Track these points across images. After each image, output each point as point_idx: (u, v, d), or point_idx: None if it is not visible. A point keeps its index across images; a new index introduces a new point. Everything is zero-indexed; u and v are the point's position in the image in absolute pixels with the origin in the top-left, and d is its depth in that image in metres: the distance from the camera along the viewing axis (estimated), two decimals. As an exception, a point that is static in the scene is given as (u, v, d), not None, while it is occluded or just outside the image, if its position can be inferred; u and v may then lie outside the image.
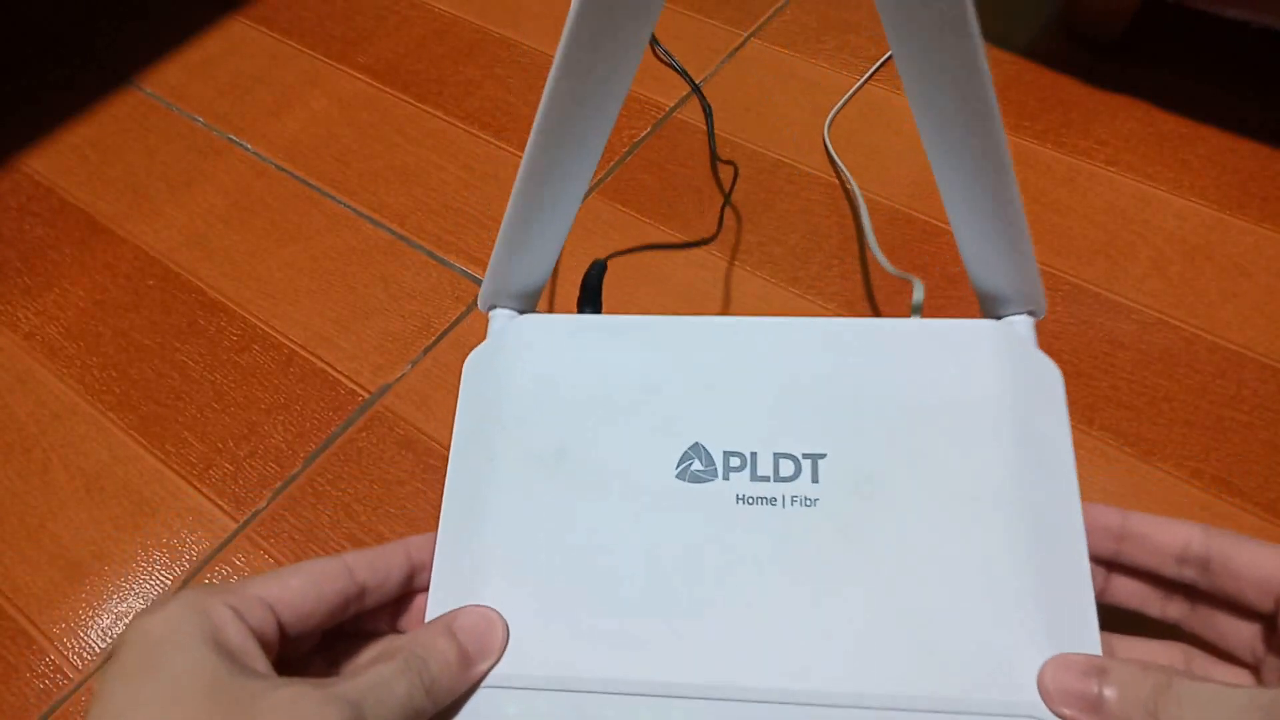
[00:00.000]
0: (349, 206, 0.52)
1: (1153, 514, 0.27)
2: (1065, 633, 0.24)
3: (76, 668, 0.37)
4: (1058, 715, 0.23)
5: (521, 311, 0.31)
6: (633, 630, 0.25)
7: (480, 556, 0.27)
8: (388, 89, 0.58)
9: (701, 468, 0.27)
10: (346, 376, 0.45)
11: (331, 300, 0.48)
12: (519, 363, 0.30)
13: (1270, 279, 0.45)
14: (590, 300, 0.38)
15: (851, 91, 0.55)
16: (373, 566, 0.27)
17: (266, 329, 0.47)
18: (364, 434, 0.43)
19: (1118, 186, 0.49)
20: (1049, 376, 0.28)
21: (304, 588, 0.25)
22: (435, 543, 0.28)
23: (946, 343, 0.28)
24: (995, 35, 0.58)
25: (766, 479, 0.27)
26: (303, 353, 0.46)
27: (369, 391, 0.44)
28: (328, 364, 0.45)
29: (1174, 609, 0.28)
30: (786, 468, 0.27)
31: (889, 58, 0.57)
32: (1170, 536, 0.26)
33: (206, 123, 0.57)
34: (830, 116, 0.54)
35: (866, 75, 0.56)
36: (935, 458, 0.27)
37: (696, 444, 0.28)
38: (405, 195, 0.52)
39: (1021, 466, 0.26)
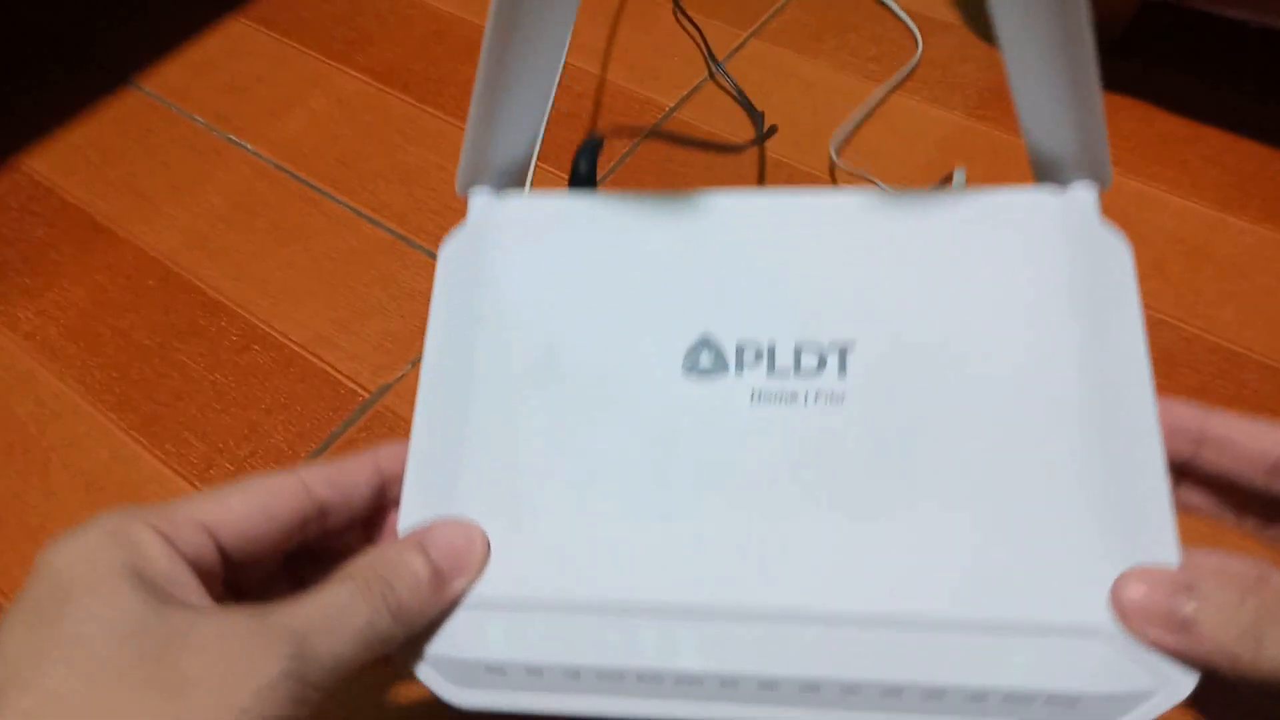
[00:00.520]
0: (349, 207, 0.52)
1: (1239, 415, 0.24)
2: (1140, 543, 0.21)
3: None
4: (1138, 638, 0.20)
5: (504, 191, 0.28)
6: (633, 545, 0.22)
7: (457, 464, 0.24)
8: (388, 89, 0.58)
9: (711, 362, 0.24)
10: (347, 376, 0.45)
11: (332, 300, 0.48)
12: (502, 248, 0.26)
13: (1270, 279, 0.45)
14: (583, 182, 0.35)
15: (870, 103, 0.55)
16: (334, 482, 0.24)
17: (267, 329, 0.47)
18: (364, 434, 0.43)
19: (1117, 187, 0.49)
20: (1118, 252, 0.24)
21: (248, 508, 0.22)
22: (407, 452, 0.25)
23: (998, 214, 0.24)
24: (994, 38, 0.58)
25: (786, 373, 0.23)
26: (303, 353, 0.46)
27: (369, 391, 0.44)
28: (328, 364, 0.45)
29: (1249, 521, 0.24)
30: (809, 360, 0.23)
31: (905, 77, 0.57)
32: (1264, 444, 0.23)
33: (207, 123, 0.57)
34: (848, 129, 0.54)
35: (889, 85, 0.56)
36: (985, 345, 0.23)
37: (705, 335, 0.24)
38: (405, 195, 0.52)
39: (1088, 355, 0.23)
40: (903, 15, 0.59)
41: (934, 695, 0.20)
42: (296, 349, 0.46)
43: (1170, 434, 0.23)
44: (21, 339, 0.48)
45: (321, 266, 0.49)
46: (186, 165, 0.55)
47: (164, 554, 0.20)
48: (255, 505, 0.22)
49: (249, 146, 0.56)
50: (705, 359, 0.24)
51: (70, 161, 0.56)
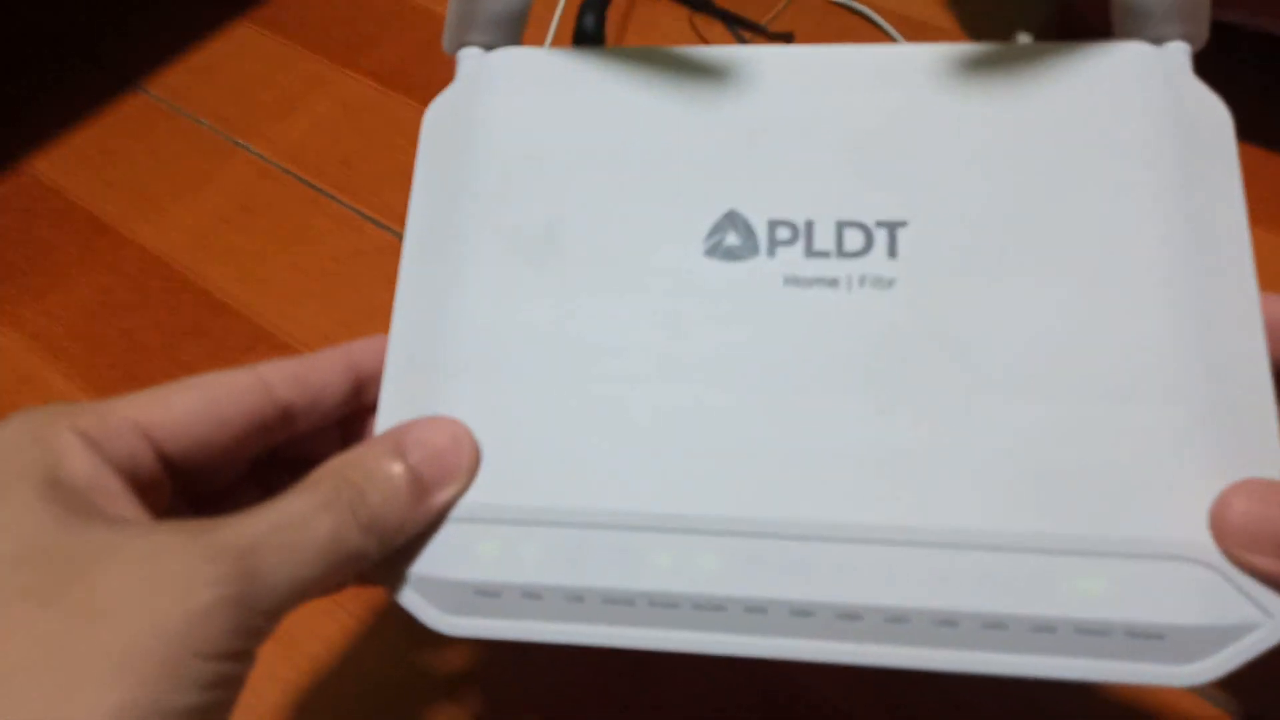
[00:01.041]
0: (353, 209, 0.52)
1: None
2: (1241, 452, 0.18)
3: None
4: (1241, 564, 0.17)
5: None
6: (646, 449, 0.20)
7: (444, 356, 0.21)
8: (392, 92, 0.58)
9: (738, 241, 0.21)
10: (351, 376, 0.45)
11: (336, 301, 0.48)
12: (495, 108, 0.23)
13: (1269, 280, 0.45)
14: (589, 40, 0.31)
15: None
16: (299, 380, 0.21)
17: (271, 330, 0.47)
18: (369, 433, 0.43)
19: (1116, 189, 0.50)
20: (1218, 118, 0.22)
21: (194, 408, 0.19)
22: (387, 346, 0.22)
23: (1079, 69, 0.21)
24: (991, 38, 0.59)
25: (826, 254, 0.20)
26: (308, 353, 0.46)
27: (374, 391, 0.45)
28: (332, 364, 0.46)
29: None
30: (853, 239, 0.20)
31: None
32: None
33: (211, 125, 0.57)
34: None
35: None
36: (1063, 222, 0.20)
37: (732, 211, 0.21)
38: (408, 198, 0.53)
39: (1184, 234, 0.20)
40: (887, 26, 0.60)
41: (995, 626, 0.18)
42: (301, 349, 0.46)
43: (1271, 334, 0.20)
44: (26, 339, 0.48)
45: (325, 267, 0.50)
46: (190, 167, 0.55)
47: (88, 460, 0.17)
48: (203, 405, 0.19)
49: (252, 148, 0.56)
50: (732, 238, 0.21)
51: (74, 163, 0.56)
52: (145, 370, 0.46)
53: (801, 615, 0.18)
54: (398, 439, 0.19)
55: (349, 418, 0.23)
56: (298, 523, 0.17)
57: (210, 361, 0.46)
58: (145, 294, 0.49)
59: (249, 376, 0.20)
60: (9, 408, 0.45)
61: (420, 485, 0.19)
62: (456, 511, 0.19)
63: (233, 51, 0.62)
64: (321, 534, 0.17)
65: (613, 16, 0.60)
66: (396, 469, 0.19)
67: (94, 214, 0.53)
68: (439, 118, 0.23)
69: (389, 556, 0.19)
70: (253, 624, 0.16)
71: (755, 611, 0.18)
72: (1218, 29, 0.52)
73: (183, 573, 0.15)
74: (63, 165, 0.56)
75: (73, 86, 0.60)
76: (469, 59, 0.24)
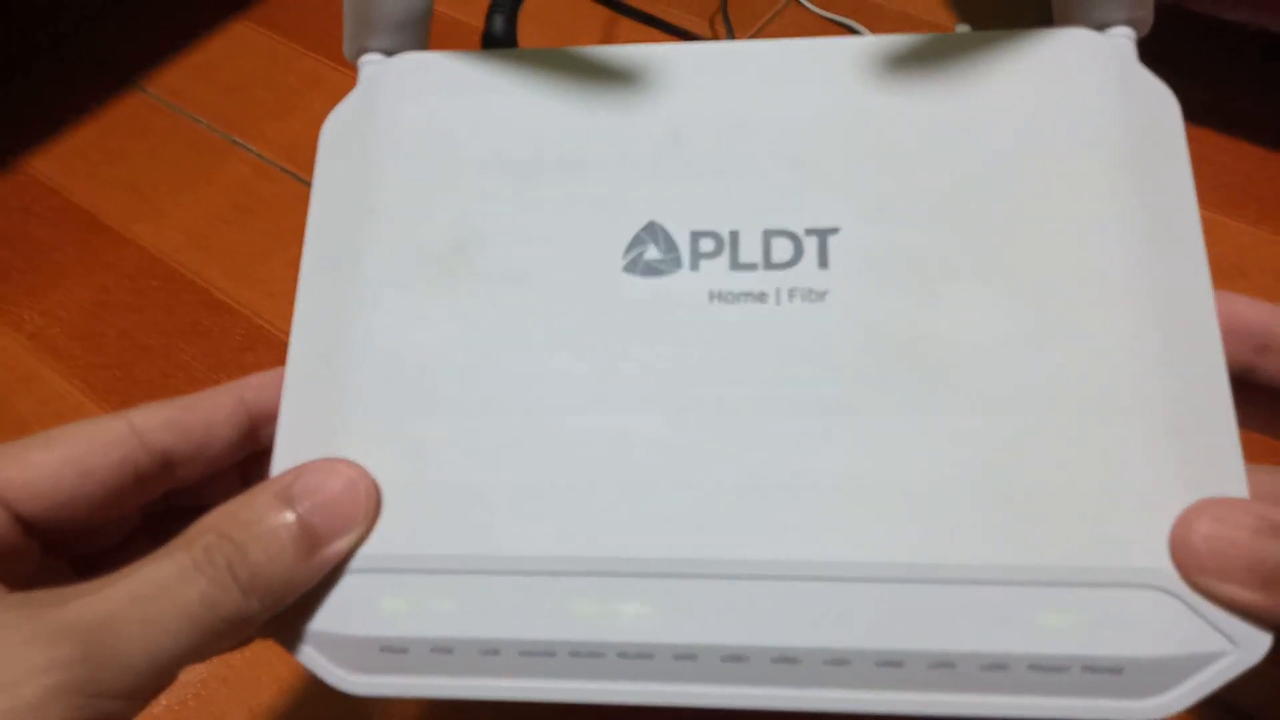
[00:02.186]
0: (351, 207, 0.52)
1: None
2: (1202, 473, 0.17)
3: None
4: (1206, 594, 0.15)
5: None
6: (564, 485, 0.18)
7: (341, 390, 0.19)
8: (390, 90, 0.58)
9: (659, 255, 0.20)
10: (350, 376, 0.45)
11: (334, 300, 0.48)
12: (396, 118, 0.21)
13: (1268, 280, 0.45)
14: (499, 44, 0.30)
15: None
16: (179, 425, 0.19)
17: (270, 329, 0.47)
18: (367, 433, 0.43)
19: (1116, 187, 0.50)
20: (1165, 107, 0.20)
21: (55, 465, 0.17)
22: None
23: (1018, 58, 0.20)
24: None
25: (752, 266, 0.19)
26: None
27: (372, 391, 0.44)
28: (331, 364, 0.46)
29: None
30: (781, 249, 0.19)
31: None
32: None
33: (209, 124, 0.57)
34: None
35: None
36: (1009, 223, 0.19)
37: (651, 223, 0.20)
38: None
39: (1139, 233, 0.18)
40: (864, 32, 0.60)
41: (942, 665, 0.17)
42: (299, 349, 0.46)
43: (1230, 335, 0.19)
44: (25, 339, 0.48)
45: (324, 267, 0.50)
46: (188, 165, 0.55)
47: None
48: (65, 462, 0.17)
49: (250, 147, 0.56)
50: (652, 251, 0.20)
51: (73, 162, 0.56)
52: (144, 370, 0.46)
53: (734, 660, 0.17)
54: (285, 486, 0.18)
55: (251, 459, 0.21)
56: (161, 588, 0.15)
57: (208, 361, 0.46)
58: (143, 293, 0.49)
59: (119, 426, 0.18)
60: (9, 408, 0.45)
61: (311, 537, 0.17)
62: (356, 562, 0.18)
63: (231, 50, 0.62)
64: (190, 600, 0.15)
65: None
66: (282, 520, 0.17)
67: (92, 213, 0.53)
68: (337, 128, 0.22)
69: (284, 610, 0.17)
70: (104, 709, 0.14)
71: (684, 658, 0.17)
72: (1222, 27, 0.52)
73: (15, 660, 0.13)
74: (60, 164, 0.55)
75: (70, 85, 0.60)
76: (369, 65, 0.23)
